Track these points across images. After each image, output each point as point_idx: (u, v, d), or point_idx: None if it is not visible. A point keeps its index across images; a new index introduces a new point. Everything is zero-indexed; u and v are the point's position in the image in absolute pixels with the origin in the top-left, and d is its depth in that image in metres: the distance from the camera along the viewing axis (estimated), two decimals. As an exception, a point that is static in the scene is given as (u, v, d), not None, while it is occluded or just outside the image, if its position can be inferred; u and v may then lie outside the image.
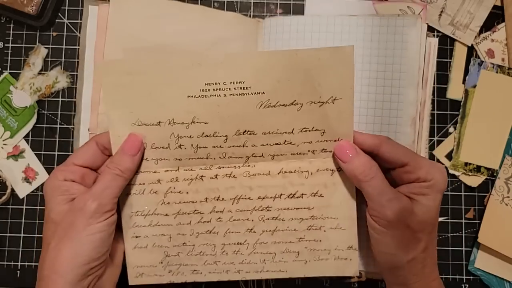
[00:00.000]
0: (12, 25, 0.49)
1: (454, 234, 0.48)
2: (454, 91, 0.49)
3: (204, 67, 0.37)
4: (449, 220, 0.49)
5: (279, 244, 0.41)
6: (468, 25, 0.49)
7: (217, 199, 0.40)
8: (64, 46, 0.49)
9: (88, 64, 0.47)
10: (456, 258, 0.48)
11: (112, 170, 0.38)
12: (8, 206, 0.48)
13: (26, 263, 0.48)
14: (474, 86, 0.48)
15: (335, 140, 0.39)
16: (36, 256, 0.48)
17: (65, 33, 0.49)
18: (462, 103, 0.49)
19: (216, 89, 0.37)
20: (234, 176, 0.40)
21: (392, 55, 0.45)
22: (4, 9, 0.47)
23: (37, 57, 0.48)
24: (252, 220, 0.41)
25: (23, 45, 0.49)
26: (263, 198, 0.40)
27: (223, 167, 0.40)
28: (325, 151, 0.39)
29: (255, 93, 0.37)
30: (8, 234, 0.48)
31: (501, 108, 0.48)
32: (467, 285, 0.48)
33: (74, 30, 0.49)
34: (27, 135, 0.48)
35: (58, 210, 0.37)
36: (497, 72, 0.48)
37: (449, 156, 0.49)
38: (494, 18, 0.49)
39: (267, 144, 0.39)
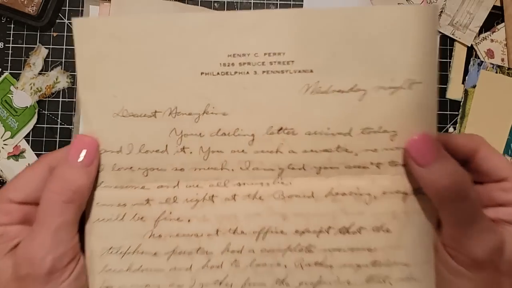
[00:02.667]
0: (12, 25, 0.49)
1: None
2: (454, 91, 0.49)
3: (228, 31, 0.26)
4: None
5: None
6: (467, 25, 0.49)
7: (234, 232, 0.28)
8: (64, 47, 0.49)
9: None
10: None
11: (59, 197, 0.25)
12: (9, 206, 0.48)
13: (27, 263, 0.48)
14: (474, 86, 0.48)
15: None
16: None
17: (65, 34, 0.49)
18: (461, 103, 0.49)
19: (244, 63, 0.27)
20: (260, 197, 0.28)
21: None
22: (4, 10, 0.47)
23: (38, 57, 0.48)
24: (285, 266, 0.28)
25: (24, 45, 0.49)
26: (303, 232, 0.28)
27: (244, 184, 0.28)
28: (395, 165, 0.27)
29: (299, 70, 0.27)
30: (8, 234, 0.48)
31: (501, 108, 0.48)
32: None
33: (75, 30, 0.49)
34: (27, 135, 0.48)
35: None
36: (496, 72, 0.48)
37: (448, 156, 0.49)
38: (494, 18, 0.49)
39: (311, 151, 0.27)
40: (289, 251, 0.28)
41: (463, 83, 0.49)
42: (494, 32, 0.49)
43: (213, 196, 0.28)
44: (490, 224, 0.26)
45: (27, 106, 0.48)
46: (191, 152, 0.28)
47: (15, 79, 0.48)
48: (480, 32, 0.49)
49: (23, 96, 0.48)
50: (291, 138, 0.27)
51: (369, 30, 0.26)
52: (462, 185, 0.25)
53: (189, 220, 0.28)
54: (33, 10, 0.47)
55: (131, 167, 0.28)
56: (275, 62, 0.27)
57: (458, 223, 0.25)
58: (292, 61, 0.26)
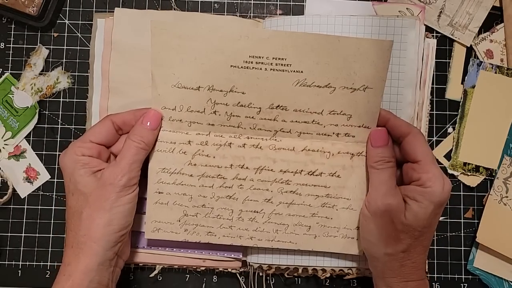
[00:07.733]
0: (13, 26, 0.49)
1: (453, 233, 0.49)
2: (453, 92, 0.49)
3: (251, 40, 0.39)
4: (448, 220, 0.49)
5: (293, 217, 0.44)
6: (467, 25, 0.49)
7: (242, 167, 0.43)
8: (65, 47, 0.49)
9: (96, 74, 0.48)
10: (455, 258, 0.49)
11: (137, 144, 0.41)
12: (10, 206, 0.49)
13: (27, 263, 0.48)
14: (473, 87, 0.49)
15: (359, 126, 0.42)
16: (37, 255, 0.48)
17: (66, 34, 0.49)
18: (461, 103, 0.49)
19: (258, 63, 0.40)
20: (260, 147, 0.43)
21: (391, 55, 0.46)
22: (5, 10, 0.47)
23: (38, 58, 0.49)
24: (271, 191, 0.43)
25: (24, 46, 0.49)
26: (285, 171, 0.43)
27: (251, 138, 0.43)
28: (348, 136, 0.42)
29: (294, 71, 0.40)
30: (9, 234, 0.48)
31: (500, 108, 0.48)
32: (466, 285, 0.48)
33: (75, 31, 0.49)
34: (28, 135, 0.49)
35: (84, 182, 0.40)
36: (496, 73, 0.48)
37: (448, 156, 0.49)
38: (493, 18, 0.49)
39: (296, 121, 0.42)
40: (275, 182, 0.43)
41: (462, 83, 0.49)
42: (494, 32, 0.49)
43: (231, 143, 0.43)
44: (393, 191, 0.39)
45: (27, 106, 0.48)
46: (219, 114, 0.42)
47: (15, 80, 0.49)
48: (479, 32, 0.49)
49: (23, 96, 0.48)
50: (283, 112, 0.42)
51: (343, 51, 0.39)
52: (386, 163, 0.40)
53: (214, 157, 0.43)
54: (33, 11, 0.47)
55: (180, 120, 0.43)
56: (278, 64, 0.40)
57: (374, 184, 0.40)
58: (290, 64, 0.40)
